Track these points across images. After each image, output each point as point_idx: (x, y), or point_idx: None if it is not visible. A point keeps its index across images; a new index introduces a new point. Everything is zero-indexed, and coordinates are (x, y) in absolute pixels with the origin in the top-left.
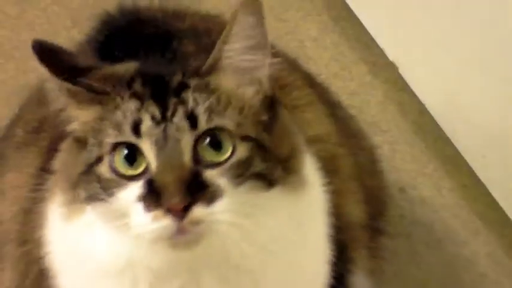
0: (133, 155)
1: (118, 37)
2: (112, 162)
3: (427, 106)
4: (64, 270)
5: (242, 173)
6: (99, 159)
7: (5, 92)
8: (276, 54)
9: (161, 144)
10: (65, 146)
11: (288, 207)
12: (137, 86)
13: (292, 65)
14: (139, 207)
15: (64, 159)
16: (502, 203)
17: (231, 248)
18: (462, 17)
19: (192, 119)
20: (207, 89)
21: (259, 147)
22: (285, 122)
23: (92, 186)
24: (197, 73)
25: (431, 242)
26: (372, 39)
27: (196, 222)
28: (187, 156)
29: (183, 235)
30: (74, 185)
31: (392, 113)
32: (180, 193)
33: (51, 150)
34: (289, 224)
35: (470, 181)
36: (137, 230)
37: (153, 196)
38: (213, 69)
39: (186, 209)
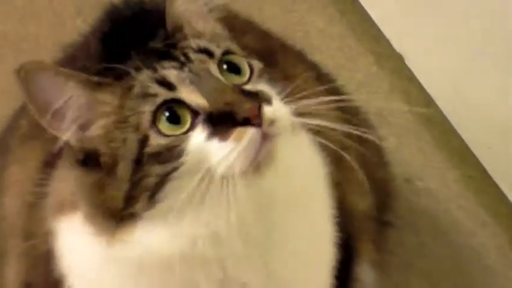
0: (174, 113)
1: (123, 27)
2: (160, 131)
3: (433, 97)
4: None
5: (269, 78)
6: (144, 141)
7: (12, 84)
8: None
9: (197, 81)
10: (84, 190)
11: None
12: (136, 61)
13: (298, 56)
14: (214, 142)
15: (88, 202)
16: (509, 194)
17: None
18: (469, 7)
19: (206, 51)
20: (194, 34)
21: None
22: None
23: (153, 175)
24: (173, 32)
25: (438, 234)
26: (379, 31)
27: (272, 122)
28: (224, 79)
29: (267, 142)
30: (121, 210)
31: (398, 104)
32: (247, 100)
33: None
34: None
35: (476, 172)
36: (223, 165)
37: (222, 124)
38: (180, 23)
39: (260, 111)
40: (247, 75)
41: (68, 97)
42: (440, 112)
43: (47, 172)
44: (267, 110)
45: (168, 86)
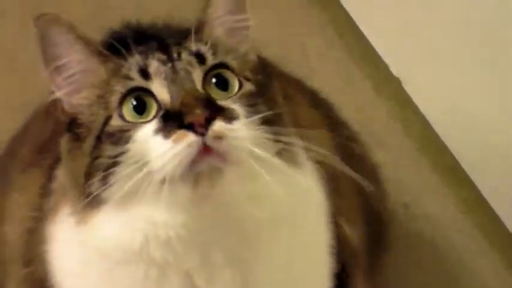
0: (142, 103)
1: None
2: (121, 113)
3: (430, 121)
4: (72, 280)
5: (253, 103)
6: (107, 120)
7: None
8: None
9: (172, 78)
10: (64, 157)
11: (288, 178)
12: (140, 47)
13: (297, 83)
14: (158, 138)
15: (66, 169)
16: (504, 218)
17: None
18: (465, 32)
19: (199, 56)
20: (204, 39)
21: (260, 95)
22: (278, 95)
23: (105, 155)
24: (194, 32)
25: (435, 258)
26: (377, 55)
27: (219, 137)
28: (199, 86)
29: (206, 156)
30: (83, 185)
31: (396, 128)
32: (200, 107)
33: (54, 169)
34: (289, 193)
35: (473, 196)
36: (159, 161)
37: (171, 123)
38: (204, 28)
39: (208, 122)
40: (232, 93)
41: (71, 58)
42: (437, 136)
43: (46, 196)
44: (218, 125)
45: (145, 75)
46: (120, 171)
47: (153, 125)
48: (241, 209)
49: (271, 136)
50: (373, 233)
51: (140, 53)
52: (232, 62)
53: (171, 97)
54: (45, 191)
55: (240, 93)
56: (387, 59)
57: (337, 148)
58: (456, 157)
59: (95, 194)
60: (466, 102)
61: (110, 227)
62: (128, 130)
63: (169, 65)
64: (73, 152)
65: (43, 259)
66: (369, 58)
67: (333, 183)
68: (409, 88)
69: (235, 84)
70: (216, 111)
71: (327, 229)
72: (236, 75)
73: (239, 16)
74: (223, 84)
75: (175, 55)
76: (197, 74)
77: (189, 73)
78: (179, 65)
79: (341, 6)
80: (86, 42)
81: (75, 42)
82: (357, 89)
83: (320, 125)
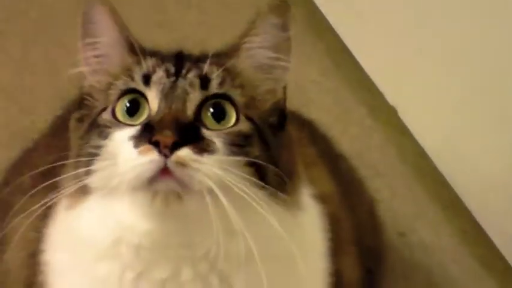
0: (136, 106)
1: None
2: (114, 108)
3: (426, 150)
4: (61, 266)
5: (240, 144)
6: (103, 110)
7: (7, 135)
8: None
9: (167, 93)
10: (70, 134)
11: (278, 219)
12: (161, 54)
13: (297, 118)
14: (130, 144)
15: (70, 148)
16: (502, 248)
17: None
18: (461, 62)
19: (204, 80)
20: (222, 66)
21: (261, 137)
22: (289, 139)
23: (90, 144)
24: (217, 56)
25: (430, 286)
26: (372, 83)
27: (182, 164)
28: (190, 110)
29: (166, 178)
30: (76, 165)
31: (392, 156)
32: (172, 129)
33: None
34: (274, 235)
35: (469, 226)
36: (123, 167)
37: (145, 134)
38: (232, 55)
39: (175, 146)
40: (226, 126)
41: (104, 39)
42: (433, 165)
43: (47, 216)
44: (184, 152)
45: (147, 81)
46: (97, 164)
47: (132, 131)
48: (206, 238)
49: (251, 179)
50: (368, 267)
51: (157, 59)
52: (238, 97)
53: (158, 110)
54: (47, 212)
55: (230, 129)
56: (383, 87)
57: (335, 184)
58: (453, 187)
59: (80, 179)
60: (463, 133)
61: (90, 217)
62: (110, 127)
63: (173, 79)
64: (75, 132)
65: (44, 279)
66: (365, 87)
67: (332, 219)
68: (405, 117)
69: (230, 119)
70: (189, 139)
71: (323, 267)
72: (237, 110)
73: (277, 54)
74: (219, 115)
75: (184, 71)
76: (194, 97)
77: (186, 93)
78: (181, 82)
79: (337, 36)
80: (122, 29)
81: (112, 26)
82: (353, 118)
83: (319, 161)
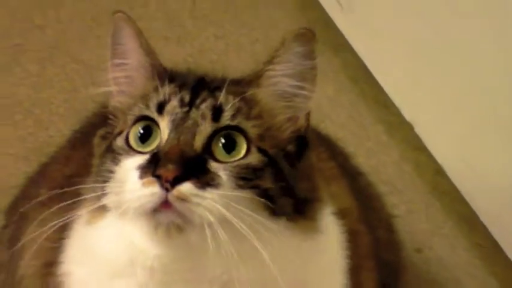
0: (149, 132)
1: None
2: (128, 134)
3: (443, 166)
4: (79, 279)
5: (248, 177)
6: (119, 133)
7: (24, 149)
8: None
9: (178, 123)
10: (94, 150)
11: (293, 246)
12: (181, 80)
13: (314, 134)
14: (136, 174)
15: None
16: None
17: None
18: (479, 79)
19: (216, 112)
20: (240, 96)
21: (275, 168)
22: (310, 167)
23: (105, 166)
24: (237, 83)
25: None
26: (389, 99)
27: (182, 199)
28: (198, 142)
29: (166, 211)
30: (95, 183)
31: (408, 172)
32: (175, 163)
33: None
34: (289, 261)
35: (486, 241)
36: (128, 196)
37: (150, 166)
38: (254, 82)
39: (176, 181)
40: (235, 158)
41: (130, 61)
42: (449, 180)
43: (66, 229)
44: (186, 187)
45: (161, 109)
46: (109, 187)
47: (141, 160)
48: (215, 264)
49: (258, 211)
50: (386, 282)
51: (175, 86)
52: (252, 129)
53: (167, 140)
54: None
55: (238, 162)
56: (399, 103)
57: (354, 199)
58: (469, 202)
59: (97, 199)
60: (479, 149)
61: (107, 234)
62: (122, 154)
63: (186, 109)
64: (98, 148)
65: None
66: (381, 103)
67: (352, 235)
68: (422, 133)
69: (240, 151)
70: (193, 173)
71: (343, 283)
72: (249, 142)
73: (300, 83)
74: (230, 147)
75: (198, 101)
76: (204, 129)
77: (196, 125)
78: (193, 113)
79: (353, 52)
80: (147, 52)
81: (137, 49)
82: (369, 134)
83: (338, 176)
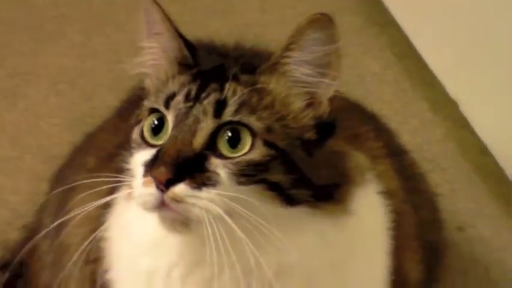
0: (160, 125)
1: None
2: (142, 126)
3: (488, 145)
4: (117, 252)
5: (250, 174)
6: (139, 121)
7: (69, 119)
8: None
9: (181, 119)
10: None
11: (320, 232)
12: (201, 65)
13: (361, 112)
14: (141, 171)
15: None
16: None
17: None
18: None
19: (218, 107)
20: (252, 86)
21: (286, 160)
22: (332, 153)
23: (127, 155)
24: (252, 70)
25: (488, 282)
26: (434, 77)
27: (177, 200)
28: (199, 139)
29: (166, 210)
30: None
31: (452, 151)
32: (168, 166)
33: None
34: (319, 247)
35: None
36: (135, 192)
37: (151, 165)
38: (268, 71)
39: (170, 183)
40: (238, 154)
41: (157, 45)
42: (494, 160)
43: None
44: (179, 189)
45: (168, 103)
46: (129, 173)
47: (148, 154)
48: (229, 256)
49: (277, 197)
50: (428, 264)
51: (189, 75)
52: (255, 123)
53: (168, 137)
54: (112, 189)
55: (239, 159)
56: (445, 81)
57: (399, 178)
58: None
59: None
60: None
61: (137, 215)
62: (136, 147)
63: (189, 104)
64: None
65: (104, 255)
66: (426, 80)
67: (396, 215)
68: (467, 111)
69: (245, 147)
70: (189, 173)
71: (385, 265)
72: (254, 136)
73: (318, 69)
74: (234, 142)
75: (203, 94)
76: (206, 126)
77: (197, 122)
78: (196, 108)
79: (399, 28)
80: (172, 37)
81: (164, 34)
82: (413, 111)
83: (384, 155)
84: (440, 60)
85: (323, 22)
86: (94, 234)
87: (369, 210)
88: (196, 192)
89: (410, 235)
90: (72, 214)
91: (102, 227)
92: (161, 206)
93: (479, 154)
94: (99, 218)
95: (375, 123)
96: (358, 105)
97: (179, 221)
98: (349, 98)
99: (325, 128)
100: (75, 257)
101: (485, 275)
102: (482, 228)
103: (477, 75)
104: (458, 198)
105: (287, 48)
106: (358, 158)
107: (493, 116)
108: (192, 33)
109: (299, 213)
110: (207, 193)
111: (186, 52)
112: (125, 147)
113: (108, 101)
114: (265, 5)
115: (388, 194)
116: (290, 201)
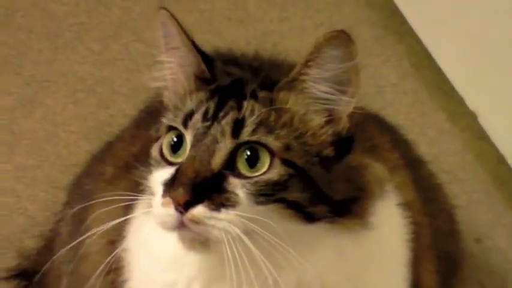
0: (179, 142)
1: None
2: (161, 143)
3: (505, 156)
4: (136, 264)
5: (268, 193)
6: (158, 138)
7: (85, 127)
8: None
9: (199, 139)
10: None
11: (339, 247)
12: (218, 79)
13: (378, 123)
14: (160, 190)
15: None
16: None
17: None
18: None
19: (236, 127)
20: (270, 104)
21: (304, 177)
22: (350, 168)
23: (145, 171)
24: (270, 87)
25: None
26: (452, 87)
27: (196, 222)
28: (217, 159)
29: (185, 230)
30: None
31: (470, 162)
32: (186, 187)
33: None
34: (338, 262)
35: None
36: (154, 211)
37: (171, 184)
38: (286, 88)
39: (188, 205)
40: (257, 174)
41: (174, 59)
42: None
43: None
44: (198, 211)
45: (186, 120)
46: (148, 191)
47: (167, 173)
48: (248, 274)
49: (296, 214)
50: (445, 275)
51: (207, 92)
52: (273, 143)
53: (187, 157)
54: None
55: (257, 179)
56: (463, 92)
57: (416, 190)
58: None
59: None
60: None
61: (157, 231)
62: (155, 165)
63: (208, 123)
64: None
65: (123, 265)
66: (444, 91)
67: (414, 226)
68: (485, 123)
69: (263, 166)
70: (207, 194)
71: (404, 277)
72: (273, 156)
73: (336, 86)
74: (253, 161)
75: (221, 114)
76: (224, 146)
77: (215, 142)
78: (213, 128)
79: (417, 38)
80: (188, 50)
81: (180, 48)
82: (431, 121)
83: (401, 166)
84: (459, 70)
85: (341, 39)
86: (115, 252)
87: (389, 222)
88: (215, 214)
89: (427, 246)
90: (90, 233)
91: (122, 241)
92: (180, 226)
93: (497, 165)
94: (118, 228)
95: (392, 133)
96: (375, 116)
97: (198, 240)
98: (367, 109)
99: (344, 143)
100: (97, 272)
101: (503, 286)
102: (500, 239)
103: (496, 86)
104: (476, 209)
105: (305, 65)
106: (376, 169)
107: (510, 126)
108: (210, 42)
109: (317, 229)
110: (225, 214)
111: (203, 66)
112: (141, 159)
113: (126, 110)
114: (283, 14)
115: (405, 205)
116: (309, 218)
